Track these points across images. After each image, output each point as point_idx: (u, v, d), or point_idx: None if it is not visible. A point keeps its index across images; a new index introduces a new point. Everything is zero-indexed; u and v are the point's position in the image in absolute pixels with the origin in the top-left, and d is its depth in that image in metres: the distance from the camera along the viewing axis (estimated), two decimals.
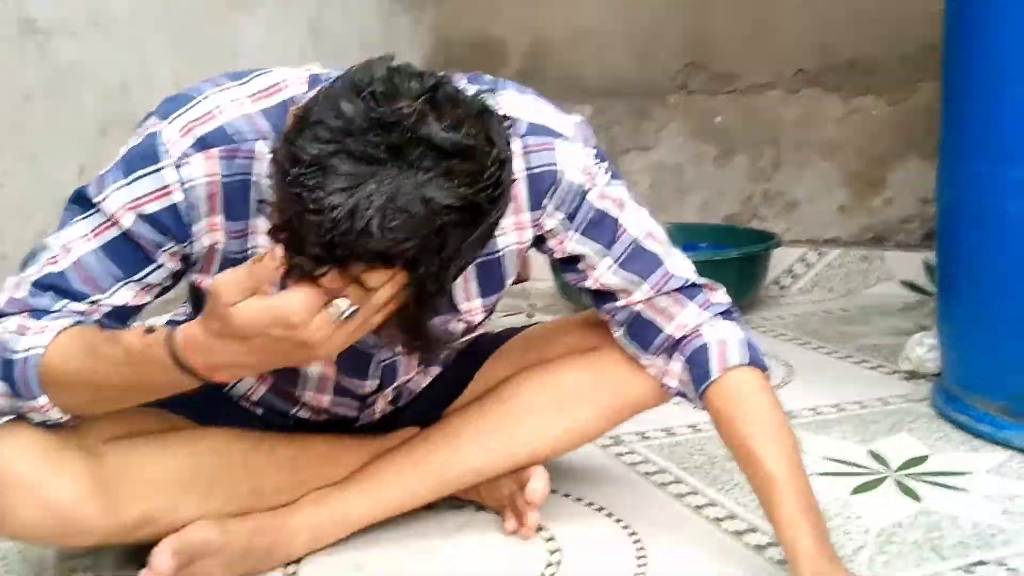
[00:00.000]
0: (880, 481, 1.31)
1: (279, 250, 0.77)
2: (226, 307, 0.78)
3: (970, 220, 1.45)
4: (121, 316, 0.96)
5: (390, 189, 0.75)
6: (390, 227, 0.74)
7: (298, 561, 1.11)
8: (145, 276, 0.95)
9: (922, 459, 1.39)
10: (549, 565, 1.11)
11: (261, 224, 0.95)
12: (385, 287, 0.79)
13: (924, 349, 1.73)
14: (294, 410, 1.17)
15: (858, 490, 1.29)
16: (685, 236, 2.42)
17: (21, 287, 0.93)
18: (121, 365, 0.87)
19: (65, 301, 0.93)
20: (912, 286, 2.45)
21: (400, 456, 1.15)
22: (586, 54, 2.74)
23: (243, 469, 1.07)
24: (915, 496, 1.26)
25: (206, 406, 1.13)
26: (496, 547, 1.15)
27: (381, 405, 1.20)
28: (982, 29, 1.41)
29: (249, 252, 0.97)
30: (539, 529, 1.18)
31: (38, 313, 0.92)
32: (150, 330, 0.86)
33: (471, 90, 0.81)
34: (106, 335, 0.90)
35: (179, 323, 1.15)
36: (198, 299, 1.09)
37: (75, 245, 0.93)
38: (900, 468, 1.36)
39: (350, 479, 1.14)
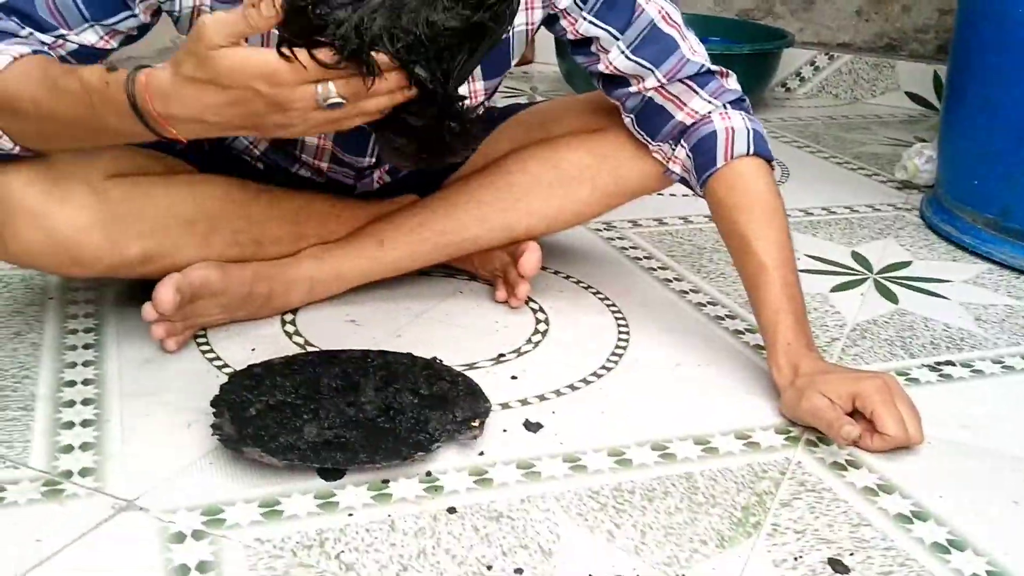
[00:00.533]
0: (860, 281, 1.35)
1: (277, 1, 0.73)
2: (210, 48, 0.74)
3: (989, 27, 1.42)
4: (84, 57, 0.94)
5: (394, 5, 0.72)
6: (395, 48, 0.72)
7: (294, 311, 1.15)
8: (116, 22, 0.93)
9: (904, 264, 1.42)
10: (536, 333, 1.15)
11: None
12: (380, 97, 0.77)
13: (921, 159, 1.74)
14: (295, 168, 1.18)
15: (838, 288, 1.33)
16: (697, 28, 2.36)
17: None
18: (75, 101, 0.83)
19: (30, 29, 0.91)
20: (919, 99, 2.43)
21: (400, 219, 1.17)
22: None
23: (245, 217, 1.08)
24: (893, 298, 1.30)
25: (208, 155, 1.14)
26: (486, 314, 1.19)
27: (378, 176, 1.20)
28: None
29: None
30: (528, 301, 1.22)
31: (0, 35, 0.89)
32: (112, 68, 0.82)
33: None
34: (66, 68, 0.86)
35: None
36: None
37: None
38: (881, 271, 1.39)
39: (350, 237, 1.16)
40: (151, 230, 1.01)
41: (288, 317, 1.14)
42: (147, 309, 0.99)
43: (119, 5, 0.92)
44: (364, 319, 1.15)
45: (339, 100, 0.76)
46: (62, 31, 0.91)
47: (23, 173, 0.93)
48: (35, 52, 0.88)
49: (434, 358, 1.03)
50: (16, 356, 1.03)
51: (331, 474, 0.85)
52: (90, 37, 0.93)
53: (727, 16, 2.58)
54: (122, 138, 0.86)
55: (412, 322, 1.16)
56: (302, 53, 0.74)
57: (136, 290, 1.11)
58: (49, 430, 0.90)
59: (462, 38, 0.75)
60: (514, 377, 1.04)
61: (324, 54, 0.74)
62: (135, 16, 0.93)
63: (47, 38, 0.91)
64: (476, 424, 0.91)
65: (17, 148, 0.90)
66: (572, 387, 1.03)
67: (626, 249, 1.43)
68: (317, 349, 1.06)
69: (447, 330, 1.14)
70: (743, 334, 1.17)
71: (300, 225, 1.14)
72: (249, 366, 0.96)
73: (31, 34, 0.91)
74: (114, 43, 0.95)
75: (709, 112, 1.09)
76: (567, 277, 1.31)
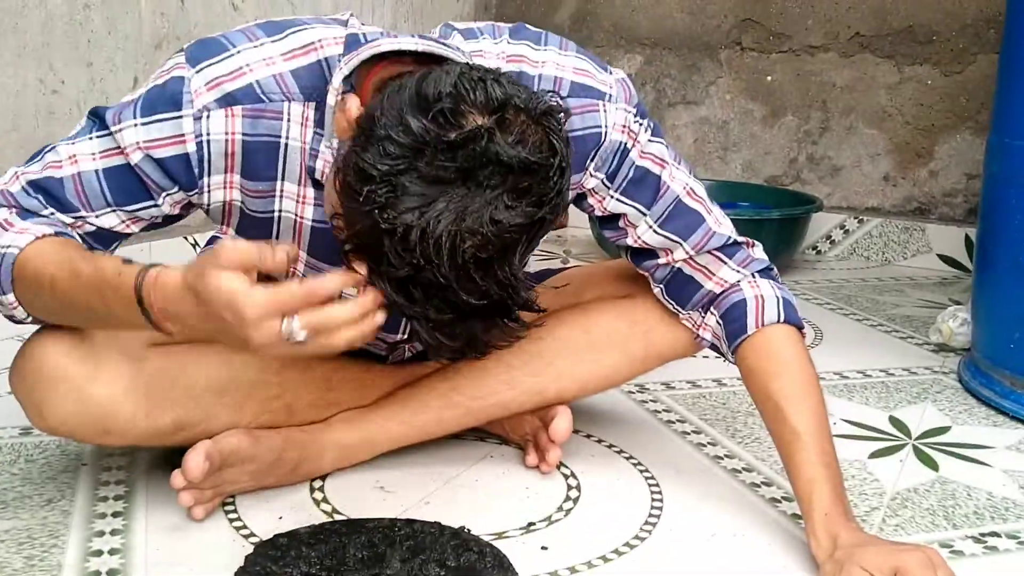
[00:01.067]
0: (899, 447, 1.33)
1: (295, 252, 0.79)
2: (213, 266, 0.77)
3: (1015, 192, 1.44)
4: (104, 239, 0.97)
5: (459, 208, 0.76)
6: (462, 247, 0.76)
7: (324, 477, 1.15)
8: (138, 210, 0.96)
9: (943, 430, 1.40)
10: (567, 500, 1.13)
11: (290, 188, 0.97)
12: (348, 330, 0.78)
13: (956, 322, 1.73)
14: None
15: (876, 454, 1.30)
16: (727, 194, 2.42)
17: (17, 182, 0.94)
18: (89, 285, 0.85)
19: (52, 210, 0.94)
20: (951, 261, 2.44)
21: (430, 384, 1.17)
22: (641, 2, 2.72)
23: (277, 384, 1.10)
24: (933, 465, 1.27)
25: None
26: (516, 479, 1.18)
27: (409, 347, 1.22)
28: None
29: (274, 214, 0.99)
30: (559, 466, 1.20)
31: (25, 213, 0.93)
32: (128, 261, 0.86)
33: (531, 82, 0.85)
34: (85, 253, 0.89)
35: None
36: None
37: (82, 159, 0.94)
38: (920, 436, 1.37)
39: (381, 403, 1.17)
40: (184, 399, 1.02)
41: (317, 483, 1.14)
42: (176, 477, 0.99)
43: (143, 195, 0.95)
44: (393, 485, 1.14)
45: (303, 336, 0.77)
46: (83, 213, 0.94)
47: (61, 344, 0.96)
48: (57, 233, 0.91)
49: (462, 527, 1.01)
50: (47, 523, 1.03)
51: None
52: (111, 220, 0.96)
53: (756, 183, 2.64)
54: (128, 327, 0.88)
55: (442, 488, 1.14)
56: (278, 287, 0.77)
57: (168, 456, 1.11)
58: None
59: (525, 233, 0.79)
60: (544, 547, 1.02)
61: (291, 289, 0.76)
62: (158, 206, 0.96)
63: (67, 219, 0.94)
64: None
65: (29, 319, 0.94)
66: (604, 558, 1.00)
67: (659, 412, 1.42)
68: (344, 517, 1.05)
69: (477, 496, 1.13)
70: (779, 502, 1.14)
71: (332, 391, 1.14)
72: (275, 536, 0.95)
73: (52, 214, 0.94)
74: (135, 228, 0.98)
75: (738, 281, 1.10)
76: (599, 441, 1.30)
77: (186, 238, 1.84)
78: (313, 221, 1.00)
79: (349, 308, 0.78)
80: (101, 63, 1.73)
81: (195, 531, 1.02)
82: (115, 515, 1.06)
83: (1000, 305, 1.51)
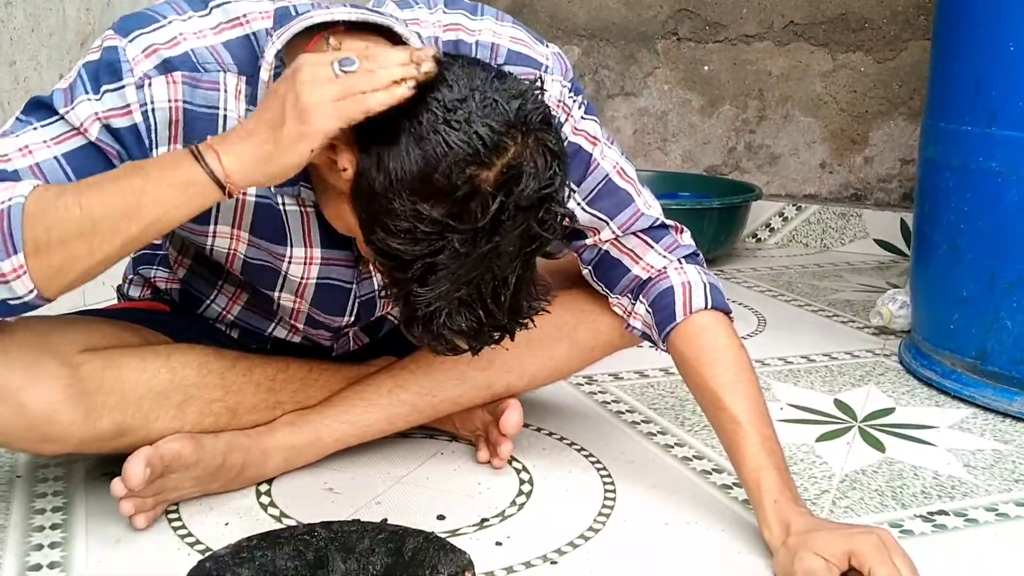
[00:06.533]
0: (846, 430, 1.34)
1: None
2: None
3: (951, 176, 1.46)
4: None
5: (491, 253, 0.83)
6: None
7: (270, 481, 1.12)
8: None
9: (888, 411, 1.41)
10: (520, 495, 1.12)
11: None
12: (401, 64, 0.81)
13: (895, 305, 1.75)
14: (269, 329, 1.16)
15: (823, 438, 1.31)
16: (667, 184, 2.43)
17: None
18: (124, 178, 0.83)
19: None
20: (887, 245, 2.48)
21: (377, 382, 1.15)
22: None
23: (219, 387, 1.06)
24: (879, 446, 1.29)
25: (182, 326, 1.13)
26: (468, 476, 1.16)
27: (354, 335, 1.19)
28: None
29: None
30: (511, 460, 1.19)
31: None
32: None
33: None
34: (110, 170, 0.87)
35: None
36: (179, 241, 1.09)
37: (35, 148, 0.88)
38: (866, 419, 1.38)
39: (326, 403, 1.14)
40: (124, 403, 0.98)
41: (264, 487, 1.11)
42: (116, 485, 0.96)
43: (105, 169, 0.88)
44: (342, 486, 1.12)
45: (353, 67, 0.81)
46: None
47: None
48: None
49: (384, 520, 0.99)
50: None
51: None
52: None
53: (695, 173, 2.65)
54: (172, 210, 0.84)
55: (392, 488, 1.12)
56: None
57: (108, 464, 1.07)
58: None
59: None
60: (499, 543, 1.01)
61: None
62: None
63: None
64: None
65: (32, 292, 0.84)
66: (559, 551, 0.99)
67: (608, 403, 1.41)
68: (293, 521, 1.02)
69: (428, 494, 1.11)
70: (731, 489, 1.14)
71: (276, 392, 1.12)
72: (199, 562, 0.89)
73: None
74: None
75: (664, 267, 1.10)
76: (550, 434, 1.29)
77: None
78: (256, 197, 0.97)
79: (402, 50, 0.82)
80: (25, 61, 1.67)
81: (138, 541, 0.99)
82: (54, 527, 1.02)
83: (939, 288, 1.53)
